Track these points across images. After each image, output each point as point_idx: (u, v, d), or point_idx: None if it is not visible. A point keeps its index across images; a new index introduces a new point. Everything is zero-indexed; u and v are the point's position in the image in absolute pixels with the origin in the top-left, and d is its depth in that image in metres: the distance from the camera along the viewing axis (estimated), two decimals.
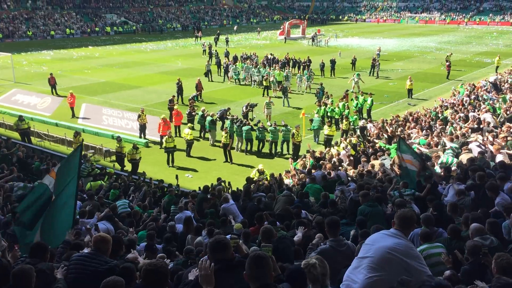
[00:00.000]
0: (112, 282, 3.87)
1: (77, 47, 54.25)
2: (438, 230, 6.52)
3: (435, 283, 2.61)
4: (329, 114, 22.99)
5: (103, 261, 4.82)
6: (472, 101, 21.54)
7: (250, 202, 10.87)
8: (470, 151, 12.11)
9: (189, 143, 20.04)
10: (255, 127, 20.21)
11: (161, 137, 20.37)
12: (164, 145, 19.32)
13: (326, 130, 20.09)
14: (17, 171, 13.62)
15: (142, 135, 22.00)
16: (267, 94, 29.12)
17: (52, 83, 29.73)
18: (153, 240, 7.84)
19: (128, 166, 18.36)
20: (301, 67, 35.43)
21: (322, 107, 23.11)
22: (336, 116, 23.08)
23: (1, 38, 58.41)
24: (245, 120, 22.01)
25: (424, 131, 17.02)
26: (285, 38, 59.69)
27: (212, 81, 34.18)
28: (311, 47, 53.54)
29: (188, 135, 19.84)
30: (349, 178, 12.93)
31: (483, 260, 5.02)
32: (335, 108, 23.21)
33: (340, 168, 14.17)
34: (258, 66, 33.82)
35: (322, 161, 15.10)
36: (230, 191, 14.27)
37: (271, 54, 39.13)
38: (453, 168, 11.03)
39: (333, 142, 19.11)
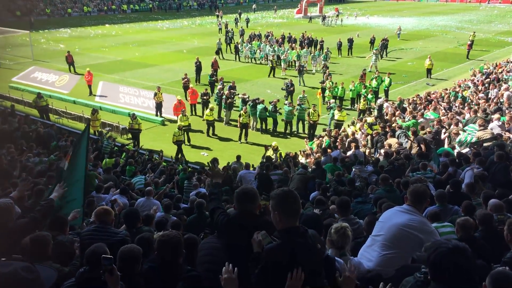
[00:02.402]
0: (128, 249, 3.72)
1: (94, 25, 54.34)
2: (454, 208, 6.44)
3: (452, 245, 2.56)
4: (338, 94, 22.84)
5: (112, 232, 4.88)
6: (492, 81, 21.07)
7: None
8: (486, 128, 11.84)
9: (209, 123, 19.96)
10: (268, 106, 20.04)
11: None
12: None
13: (336, 115, 19.16)
14: (36, 148, 13.85)
15: (158, 113, 22.11)
16: (273, 75, 28.86)
17: (70, 61, 29.92)
18: (169, 211, 7.90)
19: (168, 149, 18.06)
20: (317, 46, 34.92)
21: (340, 88, 22.89)
22: (352, 96, 22.90)
23: (20, 16, 58.76)
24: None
25: (443, 111, 16.76)
26: (310, 17, 58.36)
27: (223, 58, 34.21)
28: (328, 27, 52.64)
29: (208, 115, 19.77)
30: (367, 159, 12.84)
31: (498, 228, 4.95)
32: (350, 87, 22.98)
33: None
34: (273, 46, 33.42)
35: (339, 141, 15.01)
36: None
37: (289, 34, 38.61)
38: (465, 150, 10.85)
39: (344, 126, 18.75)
